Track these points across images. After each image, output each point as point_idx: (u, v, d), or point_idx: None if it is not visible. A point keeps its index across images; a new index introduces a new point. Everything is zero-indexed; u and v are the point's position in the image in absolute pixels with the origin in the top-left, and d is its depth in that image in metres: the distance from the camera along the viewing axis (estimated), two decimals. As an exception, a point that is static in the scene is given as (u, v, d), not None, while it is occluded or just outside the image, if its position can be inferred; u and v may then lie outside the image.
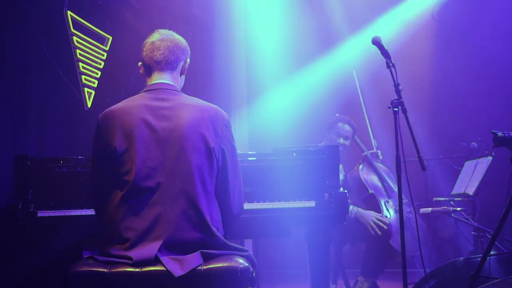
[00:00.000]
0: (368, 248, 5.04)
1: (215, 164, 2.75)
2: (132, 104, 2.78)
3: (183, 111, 2.75)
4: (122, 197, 2.64)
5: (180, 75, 2.98)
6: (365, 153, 5.43)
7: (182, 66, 2.97)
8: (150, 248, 2.57)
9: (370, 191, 5.20)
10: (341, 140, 5.32)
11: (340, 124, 5.37)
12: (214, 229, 2.67)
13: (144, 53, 2.94)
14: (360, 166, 5.37)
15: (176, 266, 2.55)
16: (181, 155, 2.67)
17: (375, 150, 5.57)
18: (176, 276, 2.50)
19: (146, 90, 2.86)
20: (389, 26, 7.20)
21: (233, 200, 2.86)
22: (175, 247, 2.61)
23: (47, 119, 5.07)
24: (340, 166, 5.25)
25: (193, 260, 2.58)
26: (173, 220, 2.61)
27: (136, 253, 2.56)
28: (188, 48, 3.01)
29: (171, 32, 3.00)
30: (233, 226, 2.93)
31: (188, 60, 3.00)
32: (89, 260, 2.66)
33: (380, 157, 5.55)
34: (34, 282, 3.77)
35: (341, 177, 5.20)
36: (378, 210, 5.09)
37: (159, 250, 2.57)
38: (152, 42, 2.93)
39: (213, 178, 2.75)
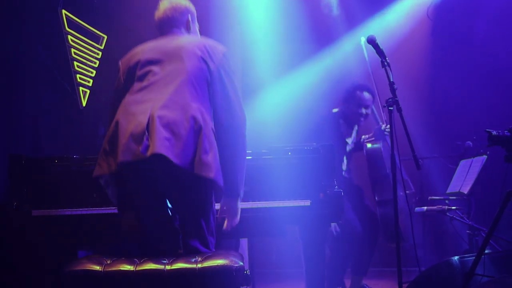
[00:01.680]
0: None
1: (205, 71, 2.97)
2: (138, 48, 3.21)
3: (182, 39, 3.13)
4: None
5: (188, 32, 3.26)
6: (383, 127, 5.21)
7: (186, 24, 3.26)
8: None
9: (388, 171, 5.06)
10: (363, 110, 5.15)
11: (358, 92, 5.16)
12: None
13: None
14: (380, 143, 5.20)
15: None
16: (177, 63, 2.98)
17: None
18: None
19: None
20: (385, 25, 7.21)
21: (237, 115, 3.00)
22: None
23: (42, 118, 5.06)
24: (355, 129, 5.26)
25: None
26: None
27: None
28: (191, 8, 3.33)
29: None
30: (238, 143, 3.00)
31: (190, 17, 3.30)
32: (83, 259, 2.65)
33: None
34: (28, 282, 3.75)
35: (353, 135, 5.21)
36: (388, 190, 4.99)
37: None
38: (157, 7, 3.32)
39: (204, 86, 2.97)
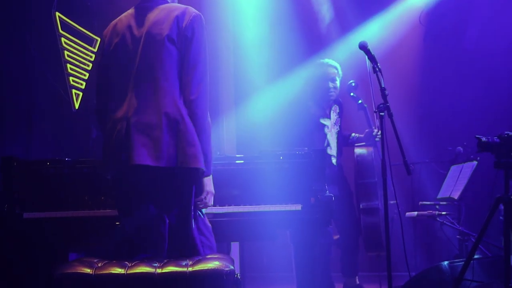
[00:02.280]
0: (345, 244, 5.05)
1: (174, 53, 2.94)
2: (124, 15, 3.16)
3: (152, 15, 3.04)
4: None
5: None
6: (374, 132, 5.13)
7: None
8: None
9: (376, 179, 5.04)
10: (330, 84, 5.06)
11: (320, 67, 5.14)
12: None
13: None
14: (371, 149, 5.15)
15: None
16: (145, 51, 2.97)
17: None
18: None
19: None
20: (377, 31, 7.24)
21: (190, 83, 2.93)
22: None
23: (34, 120, 5.06)
24: (335, 110, 5.16)
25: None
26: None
27: None
28: None
29: None
30: (192, 113, 2.93)
31: None
32: (74, 262, 2.66)
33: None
34: (20, 284, 3.75)
35: (333, 117, 5.11)
36: (374, 199, 4.99)
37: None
38: None
39: (172, 67, 2.95)
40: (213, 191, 3.04)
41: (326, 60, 5.19)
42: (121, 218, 3.10)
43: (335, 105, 5.16)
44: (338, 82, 5.11)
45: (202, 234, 2.99)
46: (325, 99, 5.10)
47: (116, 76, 3.05)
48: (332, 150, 5.01)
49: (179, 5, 3.12)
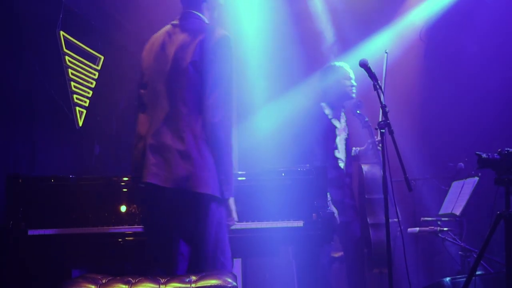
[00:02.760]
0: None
1: (196, 78, 2.99)
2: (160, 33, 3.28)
3: (180, 37, 3.12)
4: None
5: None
6: (379, 147, 5.08)
7: (201, 8, 3.27)
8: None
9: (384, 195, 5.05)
10: (351, 82, 5.09)
11: (338, 65, 5.19)
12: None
13: None
14: (378, 167, 5.10)
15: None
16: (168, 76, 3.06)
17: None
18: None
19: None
20: (378, 47, 7.28)
21: (212, 106, 2.98)
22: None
23: (38, 137, 5.09)
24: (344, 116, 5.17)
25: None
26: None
27: None
28: None
29: None
30: (211, 136, 2.98)
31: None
32: (79, 279, 2.68)
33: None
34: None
35: (342, 122, 5.09)
36: (380, 216, 4.95)
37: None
38: None
39: (192, 92, 3.00)
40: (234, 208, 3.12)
41: (340, 62, 5.25)
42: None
43: (343, 113, 5.19)
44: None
45: (223, 255, 3.02)
46: (345, 98, 5.12)
47: (147, 94, 3.17)
48: (340, 154, 4.99)
49: (207, 25, 3.17)
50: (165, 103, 3.03)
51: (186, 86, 3.01)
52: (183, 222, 2.99)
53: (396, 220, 4.96)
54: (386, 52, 5.58)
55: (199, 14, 3.23)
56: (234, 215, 3.09)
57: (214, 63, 3.00)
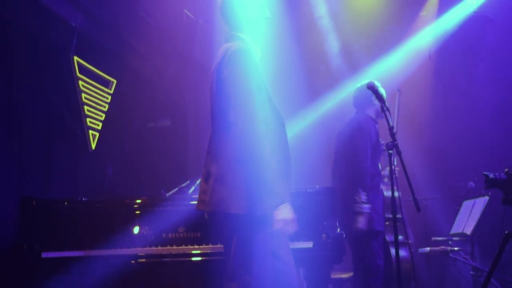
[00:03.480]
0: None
1: (218, 98, 2.98)
2: None
3: (218, 55, 3.08)
4: None
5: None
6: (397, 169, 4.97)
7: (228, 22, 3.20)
8: None
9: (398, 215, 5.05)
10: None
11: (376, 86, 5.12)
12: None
13: None
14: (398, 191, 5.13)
15: None
16: None
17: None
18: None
19: None
20: (388, 68, 7.33)
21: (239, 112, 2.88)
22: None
23: (53, 160, 5.18)
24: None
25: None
26: None
27: None
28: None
29: None
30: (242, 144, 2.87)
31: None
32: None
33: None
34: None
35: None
36: (401, 233, 4.92)
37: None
38: None
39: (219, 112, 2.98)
40: (289, 217, 2.89)
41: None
42: None
43: None
44: None
45: (249, 273, 2.89)
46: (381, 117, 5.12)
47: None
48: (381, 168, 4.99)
49: (229, 44, 3.08)
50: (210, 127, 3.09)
51: (214, 108, 3.03)
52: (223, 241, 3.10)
53: (411, 241, 4.98)
54: (398, 90, 5.55)
55: (239, 34, 3.16)
56: (286, 226, 2.89)
57: (226, 82, 2.93)
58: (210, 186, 2.92)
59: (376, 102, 4.83)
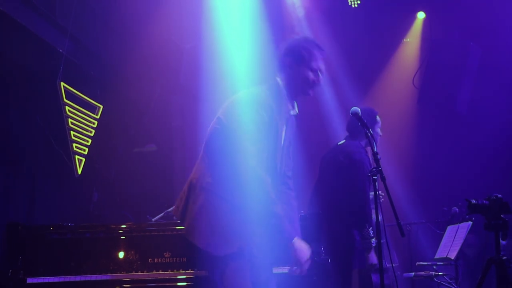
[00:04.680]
0: None
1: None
2: None
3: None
4: None
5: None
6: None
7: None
8: None
9: (384, 240, 5.08)
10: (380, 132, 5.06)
11: (378, 117, 5.11)
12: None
13: None
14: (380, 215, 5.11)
15: None
16: None
17: None
18: None
19: None
20: (371, 93, 7.42)
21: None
22: None
23: (38, 185, 5.17)
24: None
25: None
26: None
27: None
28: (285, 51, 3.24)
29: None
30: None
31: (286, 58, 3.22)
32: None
33: None
34: None
35: None
36: (386, 259, 4.98)
37: None
38: None
39: None
40: (302, 258, 3.09)
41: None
42: None
43: None
44: None
45: None
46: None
47: None
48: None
49: (249, 90, 3.20)
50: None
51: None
52: None
53: (394, 265, 4.99)
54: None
55: (276, 78, 3.24)
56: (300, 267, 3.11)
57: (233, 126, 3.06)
58: None
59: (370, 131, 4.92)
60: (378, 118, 5.07)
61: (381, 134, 5.06)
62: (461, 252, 5.19)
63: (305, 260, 3.09)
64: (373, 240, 4.52)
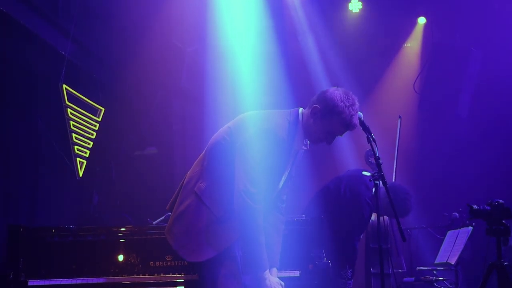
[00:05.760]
0: None
1: None
2: None
3: None
4: None
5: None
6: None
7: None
8: None
9: (388, 245, 5.11)
10: None
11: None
12: None
13: None
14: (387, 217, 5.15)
15: None
16: None
17: None
18: None
19: None
20: (372, 99, 7.42)
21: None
22: None
23: (39, 188, 5.17)
24: None
25: None
26: None
27: None
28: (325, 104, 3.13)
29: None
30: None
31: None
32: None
33: None
34: None
35: None
36: (386, 265, 4.94)
37: None
38: None
39: None
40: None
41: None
42: None
43: None
44: None
45: None
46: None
47: None
48: None
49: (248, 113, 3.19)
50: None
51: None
52: None
53: (400, 270, 5.00)
54: (400, 117, 5.59)
55: (299, 109, 3.22)
56: None
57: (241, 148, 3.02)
58: None
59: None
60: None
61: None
62: (462, 257, 5.18)
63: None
64: (350, 282, 4.63)
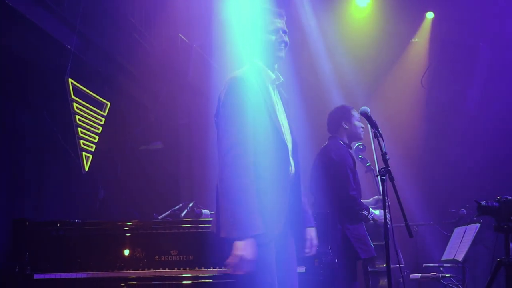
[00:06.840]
0: None
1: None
2: None
3: None
4: None
5: None
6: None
7: None
8: None
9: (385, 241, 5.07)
10: (361, 124, 5.01)
11: (353, 111, 5.07)
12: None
13: None
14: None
15: None
16: None
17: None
18: None
19: None
20: (380, 94, 7.39)
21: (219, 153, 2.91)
22: None
23: (45, 182, 5.17)
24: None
25: None
26: None
27: None
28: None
29: None
30: (221, 175, 2.86)
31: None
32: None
33: None
34: None
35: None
36: (382, 262, 4.93)
37: None
38: None
39: None
40: (240, 253, 2.73)
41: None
42: None
43: None
44: None
45: None
46: (356, 138, 5.12)
47: None
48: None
49: (231, 74, 3.09)
50: None
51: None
52: None
53: (398, 266, 4.97)
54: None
55: (252, 60, 3.17)
56: (232, 259, 2.76)
57: (220, 109, 2.96)
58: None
59: (347, 126, 4.95)
60: (353, 112, 5.05)
61: (362, 126, 5.03)
62: (469, 254, 5.16)
63: (240, 259, 2.75)
64: (370, 215, 4.64)
